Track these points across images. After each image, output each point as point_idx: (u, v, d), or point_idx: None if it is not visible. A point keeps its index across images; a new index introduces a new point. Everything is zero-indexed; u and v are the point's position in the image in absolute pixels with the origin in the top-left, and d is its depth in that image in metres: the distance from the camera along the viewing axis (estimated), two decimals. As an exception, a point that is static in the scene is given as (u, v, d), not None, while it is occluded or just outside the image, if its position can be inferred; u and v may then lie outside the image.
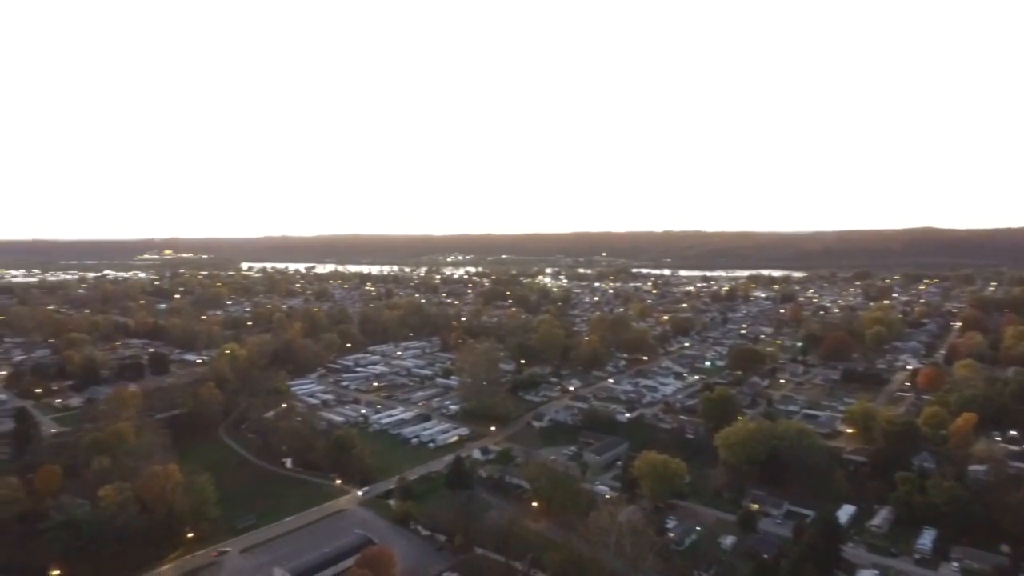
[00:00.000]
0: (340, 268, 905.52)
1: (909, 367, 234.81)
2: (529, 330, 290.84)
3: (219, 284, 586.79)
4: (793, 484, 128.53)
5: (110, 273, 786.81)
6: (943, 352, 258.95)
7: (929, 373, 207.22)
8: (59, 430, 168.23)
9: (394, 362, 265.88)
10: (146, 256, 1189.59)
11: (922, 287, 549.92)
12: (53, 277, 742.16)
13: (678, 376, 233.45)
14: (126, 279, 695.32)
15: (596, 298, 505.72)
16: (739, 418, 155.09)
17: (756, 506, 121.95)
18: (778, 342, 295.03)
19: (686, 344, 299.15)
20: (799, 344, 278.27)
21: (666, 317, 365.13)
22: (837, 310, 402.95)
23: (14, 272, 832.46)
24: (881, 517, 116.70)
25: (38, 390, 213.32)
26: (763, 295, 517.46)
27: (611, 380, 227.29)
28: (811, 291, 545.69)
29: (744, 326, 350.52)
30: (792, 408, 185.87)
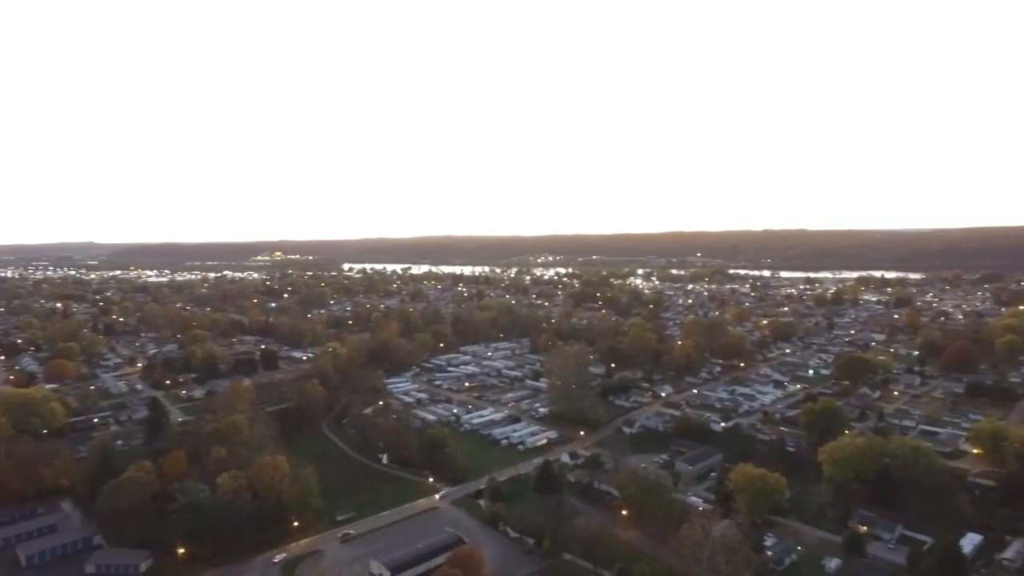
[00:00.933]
0: (434, 269, 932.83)
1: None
2: (620, 333, 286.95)
3: (323, 284, 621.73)
4: (907, 507, 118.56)
5: (228, 273, 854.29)
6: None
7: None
8: (184, 419, 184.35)
9: (485, 363, 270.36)
10: (259, 257, 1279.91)
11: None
12: (180, 277, 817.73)
13: (778, 384, 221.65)
14: (242, 279, 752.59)
15: (690, 300, 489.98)
16: (846, 432, 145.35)
17: (864, 528, 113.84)
18: (891, 350, 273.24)
19: (787, 351, 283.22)
20: (915, 353, 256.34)
21: (765, 321, 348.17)
22: (961, 316, 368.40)
23: (149, 272, 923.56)
24: (1014, 550, 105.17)
25: (167, 381, 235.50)
26: (874, 299, 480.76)
27: (700, 389, 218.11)
28: (930, 295, 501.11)
29: (852, 332, 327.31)
30: (907, 423, 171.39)
